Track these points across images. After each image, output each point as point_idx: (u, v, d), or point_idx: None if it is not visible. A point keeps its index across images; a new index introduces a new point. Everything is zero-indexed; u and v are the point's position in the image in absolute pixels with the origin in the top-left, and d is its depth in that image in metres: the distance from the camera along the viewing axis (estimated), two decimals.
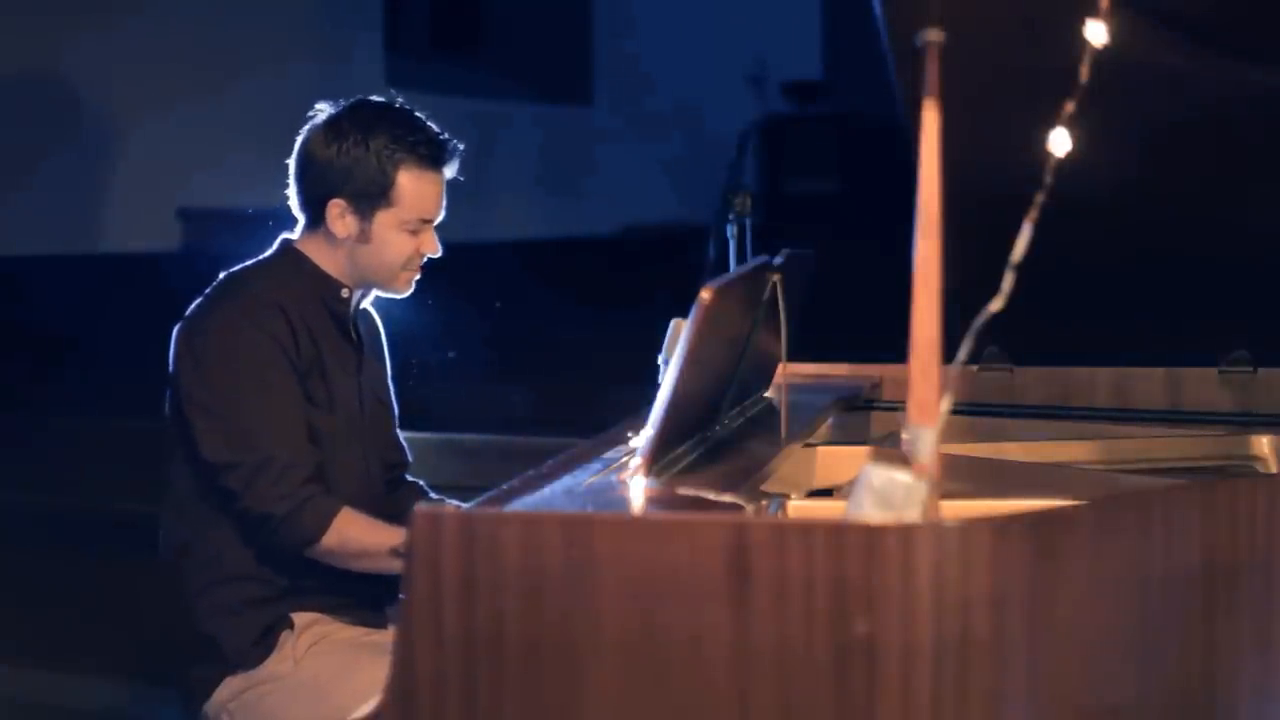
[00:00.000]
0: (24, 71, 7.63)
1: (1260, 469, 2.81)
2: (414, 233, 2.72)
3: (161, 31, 8.20)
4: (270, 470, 2.59)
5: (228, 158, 8.04)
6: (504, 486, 2.03)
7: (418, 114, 2.76)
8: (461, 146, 2.76)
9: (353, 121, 2.71)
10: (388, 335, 2.96)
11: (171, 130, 8.13)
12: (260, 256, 2.79)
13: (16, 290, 6.61)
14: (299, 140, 2.75)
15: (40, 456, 5.49)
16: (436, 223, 2.76)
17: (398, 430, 2.96)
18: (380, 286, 2.79)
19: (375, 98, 2.78)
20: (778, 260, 2.51)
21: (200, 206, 8.20)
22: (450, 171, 2.75)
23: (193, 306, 2.72)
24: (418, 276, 2.78)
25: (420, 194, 2.71)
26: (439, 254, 2.76)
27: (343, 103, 2.76)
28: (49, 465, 5.44)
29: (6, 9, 7.45)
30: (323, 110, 2.75)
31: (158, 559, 2.75)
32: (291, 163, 2.75)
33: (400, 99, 2.79)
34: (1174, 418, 3.05)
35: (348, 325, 2.79)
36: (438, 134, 2.74)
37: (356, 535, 2.62)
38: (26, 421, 5.70)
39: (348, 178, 2.69)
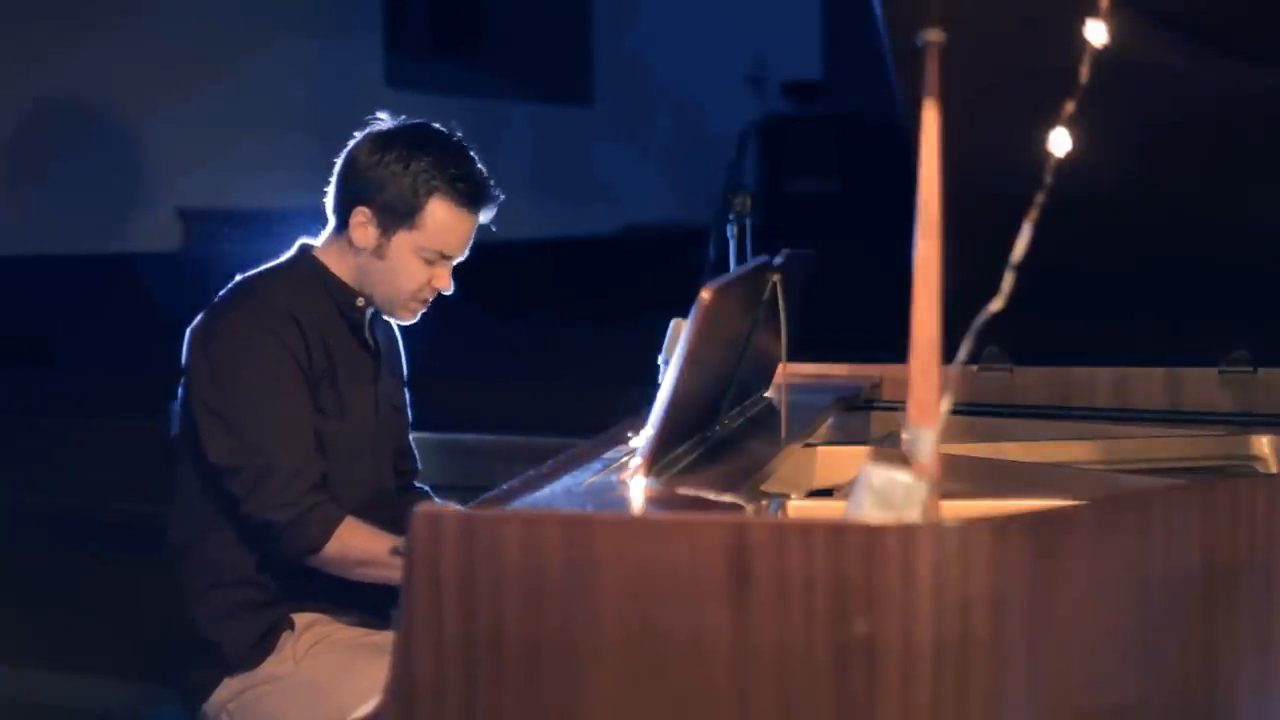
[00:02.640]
0: (23, 72, 7.62)
1: (1260, 469, 2.81)
2: (430, 263, 2.70)
3: (162, 32, 8.19)
4: (275, 477, 2.58)
5: (228, 158, 8.05)
6: (504, 486, 2.04)
7: (471, 153, 2.73)
8: (502, 196, 2.73)
9: (403, 138, 2.70)
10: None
11: (171, 130, 8.13)
12: (277, 260, 2.77)
13: (16, 289, 6.60)
14: (351, 143, 2.74)
15: (39, 456, 5.48)
16: (458, 261, 2.74)
17: (410, 438, 2.94)
18: (383, 307, 2.76)
19: (438, 126, 2.76)
20: (778, 260, 2.51)
21: (200, 206, 8.20)
22: (485, 217, 2.73)
23: (207, 308, 2.71)
24: (423, 310, 2.76)
25: (446, 227, 2.69)
26: (450, 291, 2.74)
27: (405, 120, 2.75)
28: (48, 465, 5.43)
29: (6, 9, 7.45)
30: (383, 120, 2.75)
31: (160, 558, 2.75)
32: (337, 162, 2.75)
33: (458, 134, 2.77)
34: (1174, 418, 3.05)
35: (364, 333, 2.78)
36: (483, 177, 2.72)
37: (359, 544, 2.60)
38: (25, 422, 5.69)
39: (380, 189, 2.68)
